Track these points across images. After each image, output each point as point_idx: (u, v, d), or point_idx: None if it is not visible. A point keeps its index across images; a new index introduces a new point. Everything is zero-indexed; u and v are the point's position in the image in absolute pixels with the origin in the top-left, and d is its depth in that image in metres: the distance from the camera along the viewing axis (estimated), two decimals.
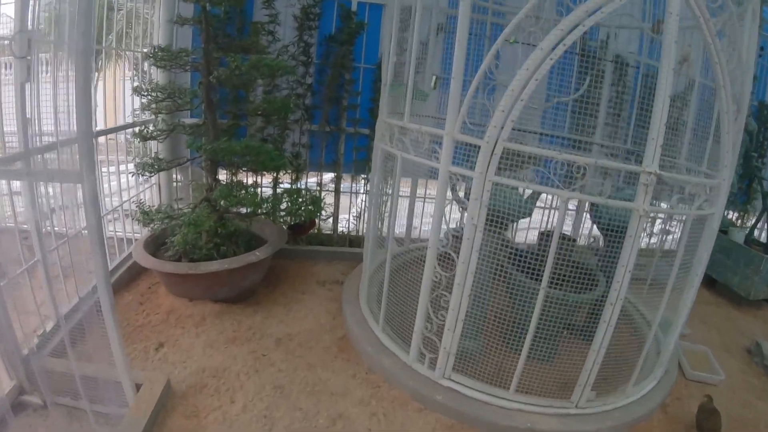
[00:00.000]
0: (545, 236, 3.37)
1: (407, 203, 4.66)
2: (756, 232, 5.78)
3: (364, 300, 3.80)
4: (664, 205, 2.87)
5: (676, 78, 4.05)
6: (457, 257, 2.85)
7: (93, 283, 2.61)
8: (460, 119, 2.74)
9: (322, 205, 4.30)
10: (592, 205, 3.60)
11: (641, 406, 3.30)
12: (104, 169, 4.32)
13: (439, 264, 2.97)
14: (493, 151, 2.63)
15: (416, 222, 5.05)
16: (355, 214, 5.19)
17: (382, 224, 3.89)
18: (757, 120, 6.03)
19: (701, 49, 3.06)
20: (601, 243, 4.03)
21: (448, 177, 2.83)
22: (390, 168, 3.54)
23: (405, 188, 4.34)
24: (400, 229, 4.61)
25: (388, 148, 3.29)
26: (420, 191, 4.96)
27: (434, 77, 3.03)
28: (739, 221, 6.34)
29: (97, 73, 4.91)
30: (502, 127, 2.61)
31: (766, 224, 5.69)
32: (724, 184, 3.11)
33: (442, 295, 2.98)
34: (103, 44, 3.97)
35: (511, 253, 3.33)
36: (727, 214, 6.31)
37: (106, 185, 4.26)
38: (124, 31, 4.42)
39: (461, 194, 2.94)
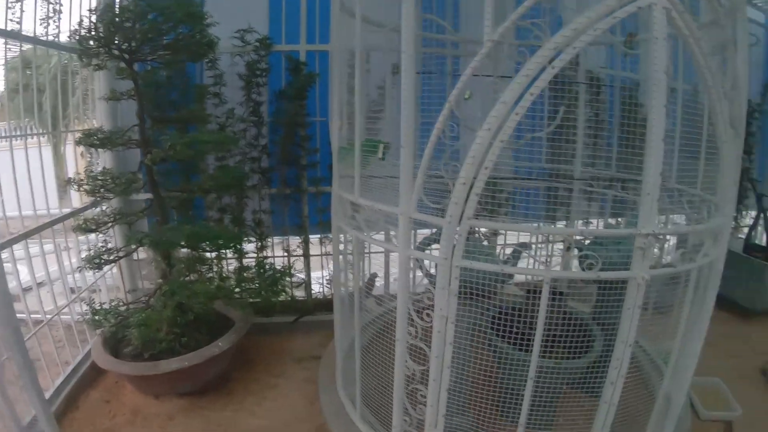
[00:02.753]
0: (532, 294, 2.80)
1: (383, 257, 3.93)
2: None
3: (341, 381, 3.16)
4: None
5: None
6: (429, 350, 2.28)
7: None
8: (415, 195, 2.17)
9: (292, 272, 3.75)
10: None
11: None
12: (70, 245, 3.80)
13: (410, 356, 2.40)
14: (457, 230, 2.06)
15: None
16: (328, 277, 4.54)
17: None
18: None
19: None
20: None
21: (408, 264, 2.27)
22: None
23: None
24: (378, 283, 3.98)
25: (342, 224, 2.71)
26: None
27: (381, 146, 2.45)
28: (734, 223, 5.74)
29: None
30: (466, 202, 2.04)
31: (764, 228, 5.09)
32: (728, 222, 2.53)
33: (417, 389, 2.41)
34: (60, 123, 3.48)
35: (492, 317, 2.76)
36: None
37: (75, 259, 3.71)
38: (80, 102, 3.90)
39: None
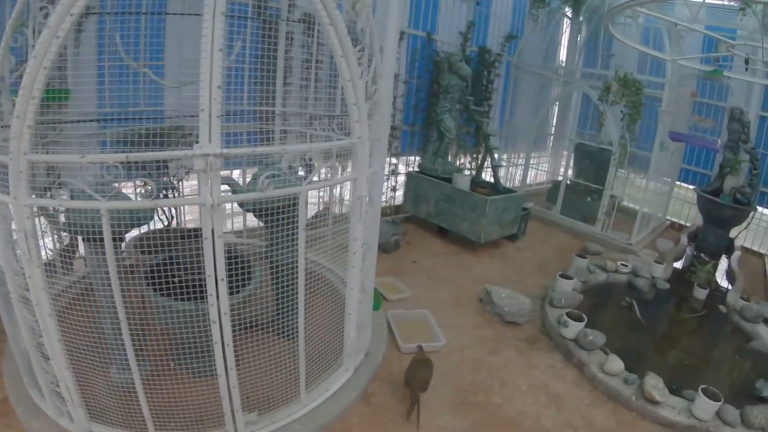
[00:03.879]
0: (181, 237, 2.75)
1: None
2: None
3: (16, 350, 2.94)
4: None
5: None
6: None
7: None
8: None
9: None
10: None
11: (328, 409, 2.78)
12: None
13: (26, 307, 2.26)
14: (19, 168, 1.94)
15: None
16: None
17: None
18: (479, 65, 5.80)
19: None
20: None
21: None
22: None
23: None
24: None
25: None
26: None
27: None
28: (473, 164, 6.12)
29: None
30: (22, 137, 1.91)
31: (489, 166, 5.49)
32: (360, 144, 2.52)
33: (41, 343, 2.28)
34: None
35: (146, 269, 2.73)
36: (459, 160, 6.10)
37: None
38: None
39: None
